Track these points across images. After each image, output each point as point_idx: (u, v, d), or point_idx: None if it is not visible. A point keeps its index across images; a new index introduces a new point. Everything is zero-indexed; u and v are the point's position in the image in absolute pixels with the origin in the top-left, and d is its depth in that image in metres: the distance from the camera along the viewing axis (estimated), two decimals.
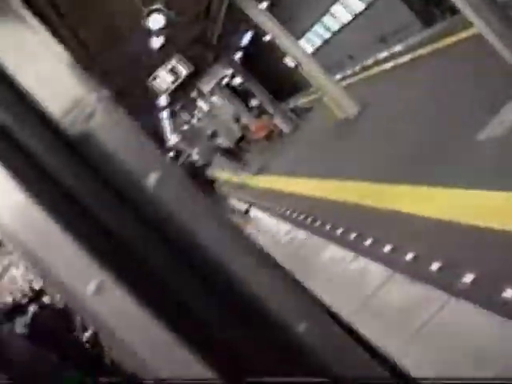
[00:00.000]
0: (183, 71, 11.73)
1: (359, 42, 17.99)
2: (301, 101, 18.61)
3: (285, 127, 17.91)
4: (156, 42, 10.46)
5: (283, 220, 8.68)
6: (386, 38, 16.50)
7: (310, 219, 7.50)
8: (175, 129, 29.54)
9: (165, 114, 23.49)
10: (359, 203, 6.58)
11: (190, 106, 27.74)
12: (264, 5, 15.85)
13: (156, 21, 7.05)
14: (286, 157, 14.15)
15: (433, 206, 5.00)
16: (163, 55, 12.29)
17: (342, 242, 5.95)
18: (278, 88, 20.79)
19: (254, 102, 21.73)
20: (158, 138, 34.81)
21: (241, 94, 22.81)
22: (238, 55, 20.72)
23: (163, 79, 11.78)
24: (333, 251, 6.00)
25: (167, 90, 11.88)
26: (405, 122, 8.05)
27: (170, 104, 19.68)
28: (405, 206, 5.46)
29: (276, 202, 9.90)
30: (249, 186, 14.65)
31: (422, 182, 5.57)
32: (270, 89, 19.32)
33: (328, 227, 6.64)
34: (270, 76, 20.16)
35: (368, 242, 5.38)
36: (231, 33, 17.88)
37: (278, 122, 18.23)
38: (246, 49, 22.96)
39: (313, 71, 11.73)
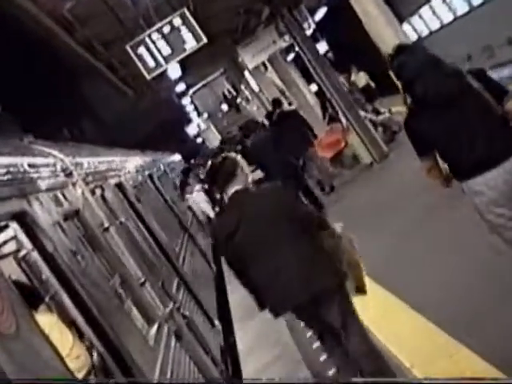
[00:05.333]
0: (189, 42, 6.18)
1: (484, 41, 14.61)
2: (396, 108, 10.51)
3: (364, 154, 10.08)
4: None
5: None
6: None
7: None
8: (202, 111, 22.58)
9: (180, 87, 17.23)
10: None
11: (237, 73, 21.03)
12: None
13: None
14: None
15: None
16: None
17: None
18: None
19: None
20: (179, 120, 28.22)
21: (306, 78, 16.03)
22: (309, 19, 12.97)
23: (153, 47, 6.31)
24: None
25: (155, 68, 6.39)
26: None
27: (184, 75, 13.20)
28: None
29: None
30: None
31: None
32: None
33: None
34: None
35: None
36: None
37: (355, 139, 10.22)
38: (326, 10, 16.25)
39: None
